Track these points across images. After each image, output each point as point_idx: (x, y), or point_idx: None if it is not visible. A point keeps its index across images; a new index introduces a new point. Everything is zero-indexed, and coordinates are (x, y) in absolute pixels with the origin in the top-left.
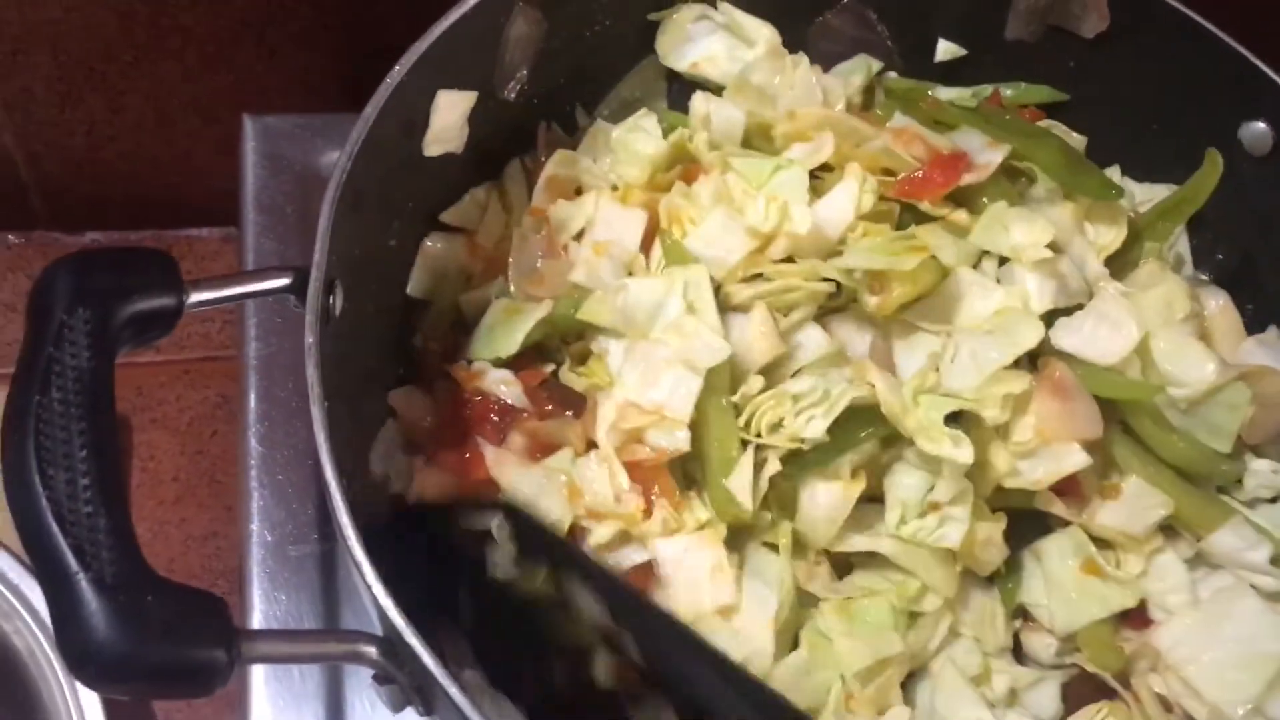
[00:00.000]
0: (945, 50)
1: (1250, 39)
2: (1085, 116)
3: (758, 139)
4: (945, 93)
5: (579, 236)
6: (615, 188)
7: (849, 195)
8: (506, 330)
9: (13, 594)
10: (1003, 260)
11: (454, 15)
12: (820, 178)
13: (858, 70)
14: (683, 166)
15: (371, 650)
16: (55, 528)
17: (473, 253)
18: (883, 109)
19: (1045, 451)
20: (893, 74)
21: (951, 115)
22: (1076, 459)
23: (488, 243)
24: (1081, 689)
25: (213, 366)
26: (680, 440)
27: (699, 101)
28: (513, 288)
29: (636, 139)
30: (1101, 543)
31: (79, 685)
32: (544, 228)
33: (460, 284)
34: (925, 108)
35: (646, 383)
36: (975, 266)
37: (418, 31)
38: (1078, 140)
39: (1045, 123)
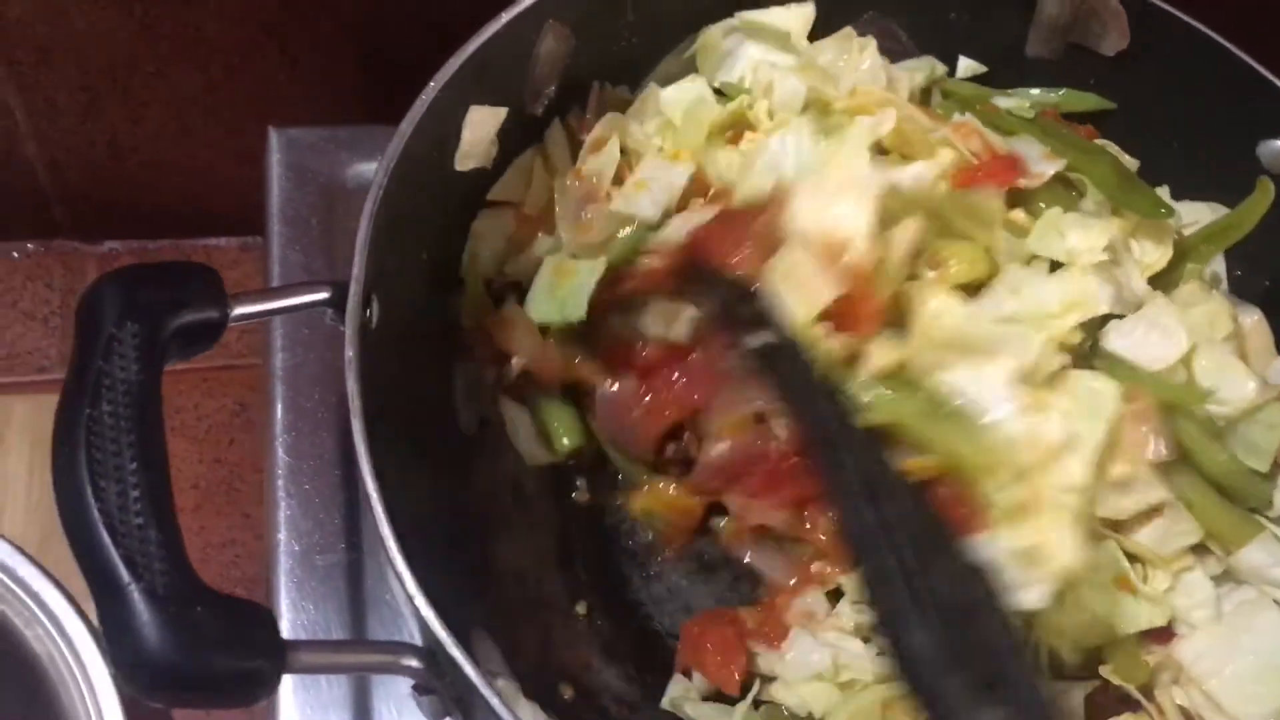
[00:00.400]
0: (966, 68)
1: (1269, 58)
2: (1105, 134)
3: (816, 114)
4: (1004, 101)
5: (619, 182)
6: (661, 149)
7: (914, 176)
8: (570, 293)
9: (34, 601)
10: (1054, 266)
11: (487, 32)
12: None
13: (922, 68)
14: (733, 132)
15: (413, 661)
16: (107, 539)
17: (520, 223)
18: (942, 109)
19: (1134, 483)
20: (966, 63)
21: (1010, 123)
22: (1160, 491)
23: (534, 210)
24: (1104, 700)
25: (231, 375)
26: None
27: (763, 71)
28: (564, 236)
29: (697, 107)
30: (1131, 557)
31: (99, 691)
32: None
33: (505, 255)
34: (983, 110)
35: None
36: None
37: (436, 42)
38: (1130, 162)
39: (1100, 141)
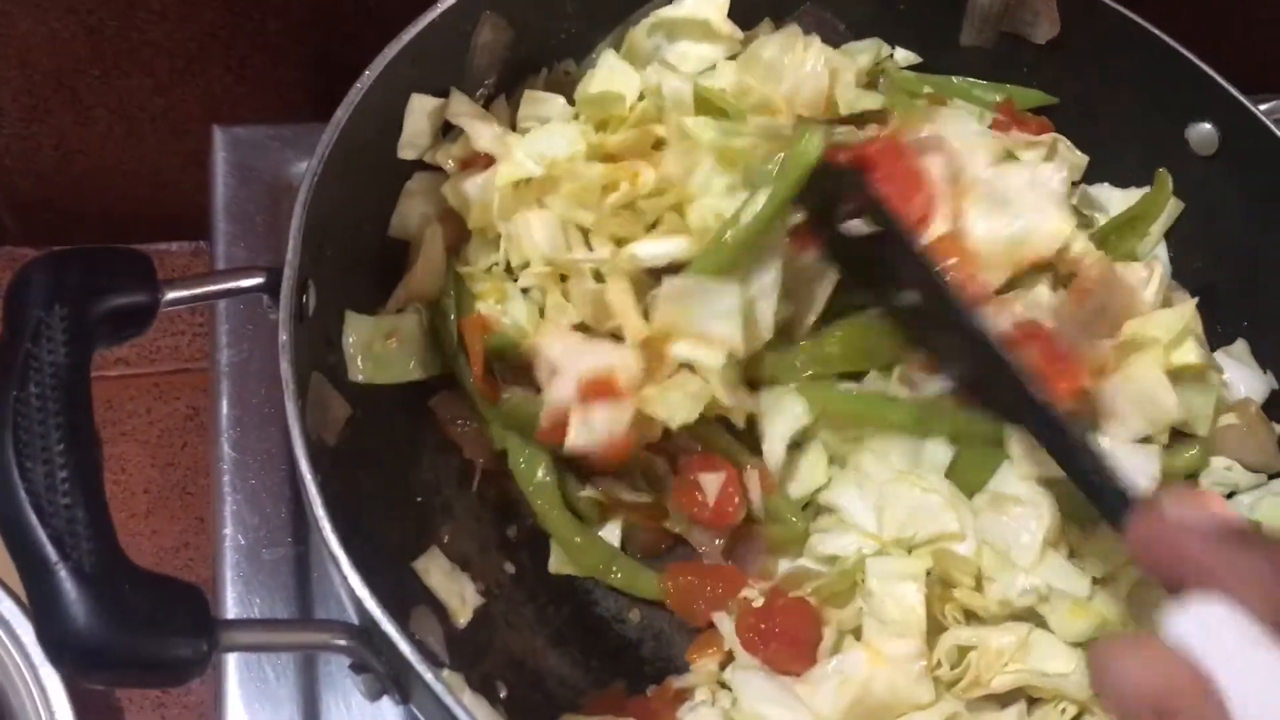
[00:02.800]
0: (903, 58)
1: (1193, 41)
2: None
3: (761, 112)
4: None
5: None
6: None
7: None
8: None
9: None
10: None
11: (422, 21)
12: None
13: (866, 50)
14: None
15: (349, 639)
16: (34, 519)
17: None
18: (890, 101)
19: None
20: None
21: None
22: None
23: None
24: None
25: (182, 379)
26: None
27: (651, 73)
28: None
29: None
30: None
31: (50, 695)
32: None
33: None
34: (926, 102)
35: None
36: None
37: (384, 41)
38: (1080, 158)
39: (1050, 136)
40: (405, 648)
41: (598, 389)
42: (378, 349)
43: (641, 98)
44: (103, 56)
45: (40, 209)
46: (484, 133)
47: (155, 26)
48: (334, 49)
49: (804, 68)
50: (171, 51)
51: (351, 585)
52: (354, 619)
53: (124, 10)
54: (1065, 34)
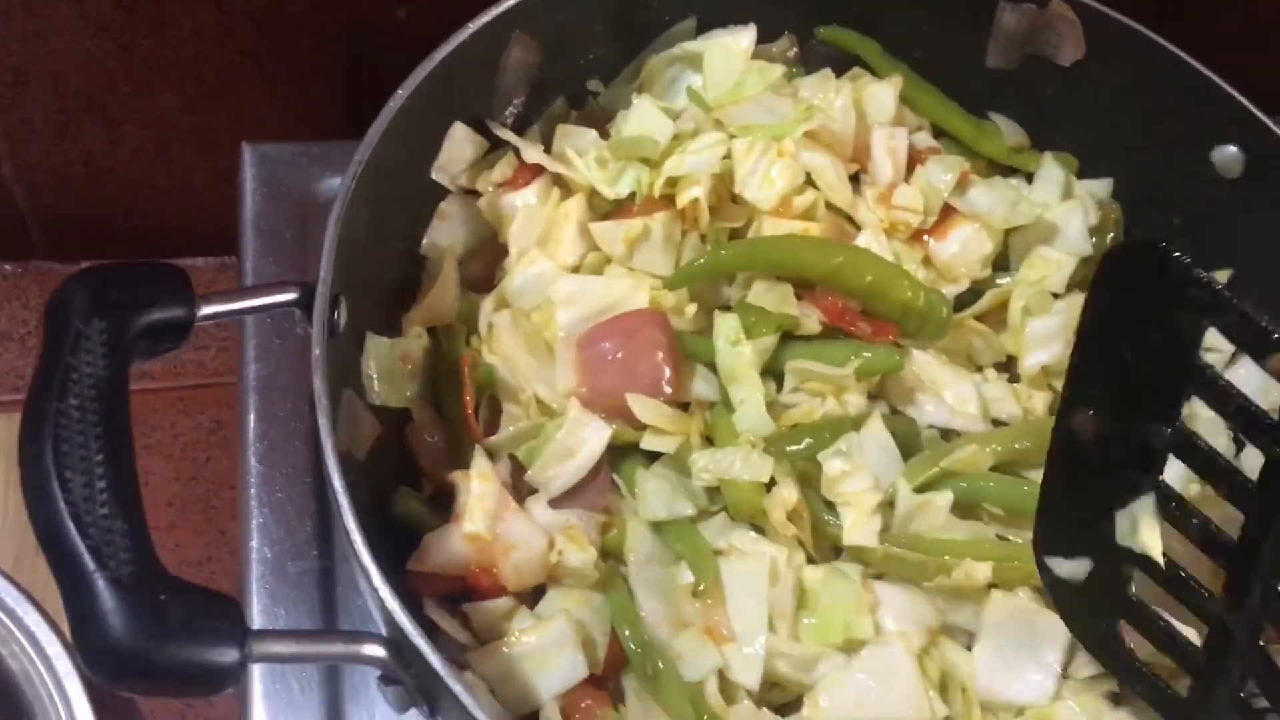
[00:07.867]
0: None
1: (1218, 64)
2: (1064, 143)
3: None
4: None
5: None
6: None
7: None
8: None
9: (9, 618)
10: None
11: (454, 42)
12: None
13: (952, 169)
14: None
15: (378, 650)
16: (73, 529)
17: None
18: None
19: None
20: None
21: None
22: None
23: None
24: None
25: (207, 393)
26: None
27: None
28: None
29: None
30: None
31: (74, 708)
32: None
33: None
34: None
35: None
36: None
37: (414, 58)
38: (1069, 160)
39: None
40: (434, 660)
41: None
42: (395, 372)
43: (676, 138)
44: (134, 75)
45: (68, 224)
46: (534, 151)
47: (187, 45)
48: (364, 67)
49: (836, 104)
50: (202, 70)
51: (382, 597)
52: (383, 631)
53: (156, 29)
54: (1090, 56)
